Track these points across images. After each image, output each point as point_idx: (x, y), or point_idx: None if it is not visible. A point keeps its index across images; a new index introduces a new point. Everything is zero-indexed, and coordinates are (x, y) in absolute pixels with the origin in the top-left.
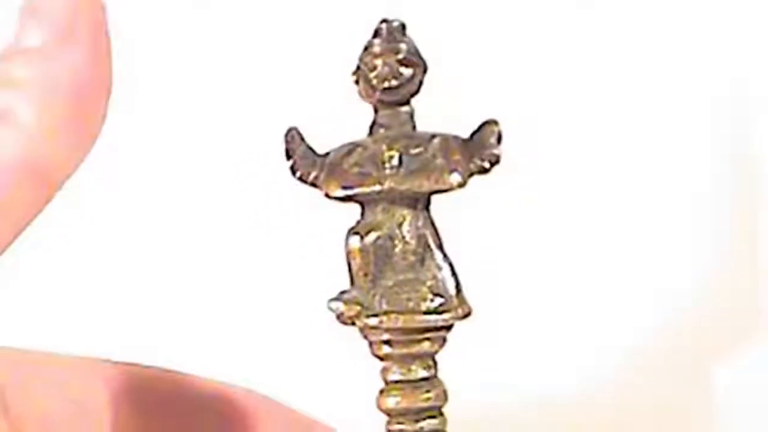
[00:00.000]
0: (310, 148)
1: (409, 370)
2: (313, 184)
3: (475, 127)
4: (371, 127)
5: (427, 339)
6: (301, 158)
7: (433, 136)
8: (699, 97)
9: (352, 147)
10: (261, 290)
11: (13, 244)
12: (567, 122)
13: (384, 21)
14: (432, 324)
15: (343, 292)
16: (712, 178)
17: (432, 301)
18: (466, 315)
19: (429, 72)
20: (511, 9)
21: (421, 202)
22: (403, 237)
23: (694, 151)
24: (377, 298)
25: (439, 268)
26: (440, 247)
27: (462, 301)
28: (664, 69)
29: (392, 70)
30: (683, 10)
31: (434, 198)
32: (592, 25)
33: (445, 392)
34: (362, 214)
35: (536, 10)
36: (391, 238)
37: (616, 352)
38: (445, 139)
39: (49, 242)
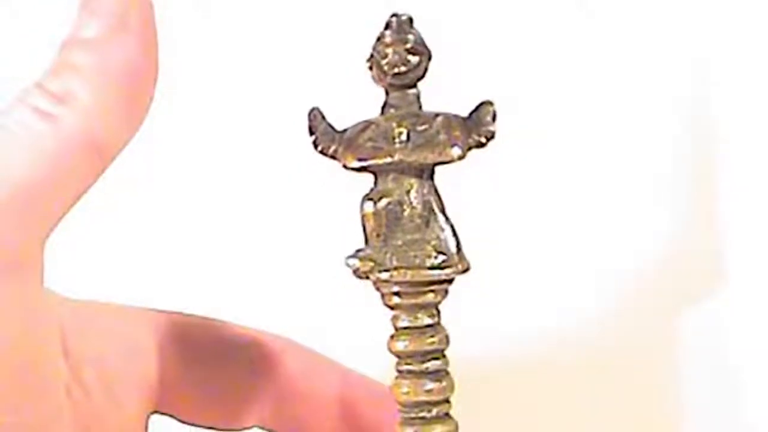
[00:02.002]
0: (330, 126)
1: (416, 317)
2: (333, 157)
3: (474, 107)
4: (383, 108)
5: (432, 291)
6: (322, 134)
7: (437, 115)
8: (663, 78)
9: (366, 124)
10: (290, 251)
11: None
12: (552, 104)
13: (394, 15)
14: (436, 278)
15: (358, 251)
16: (675, 147)
17: (436, 258)
18: (465, 270)
19: (433, 59)
20: (504, 5)
21: (426, 172)
22: (411, 202)
23: (657, 127)
24: (388, 255)
25: (442, 230)
26: (443, 211)
27: (462, 258)
28: (636, 57)
29: (401, 57)
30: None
31: (438, 169)
32: (572, 21)
33: (447, 337)
34: (375, 183)
35: (525, 7)
36: (400, 203)
37: (591, 299)
38: (447, 117)
39: (94, 209)
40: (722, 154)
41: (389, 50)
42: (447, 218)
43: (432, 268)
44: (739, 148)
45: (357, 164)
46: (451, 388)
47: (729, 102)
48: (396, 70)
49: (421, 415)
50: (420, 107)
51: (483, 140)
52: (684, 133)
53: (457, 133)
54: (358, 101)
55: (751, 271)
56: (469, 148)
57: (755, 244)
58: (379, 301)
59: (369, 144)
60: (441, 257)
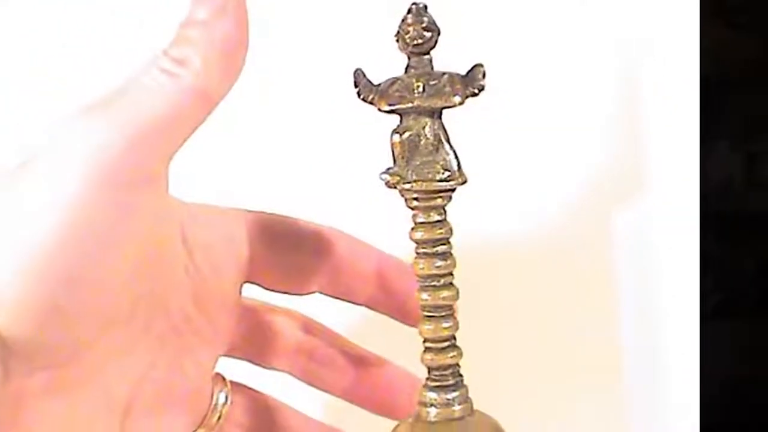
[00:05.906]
0: (369, 81)
1: (429, 215)
2: (371, 103)
3: (469, 68)
4: (406, 68)
5: (440, 197)
6: (364, 87)
7: (444, 73)
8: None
9: (394, 80)
10: (341, 170)
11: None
12: (519, 68)
13: (414, 3)
14: (443, 188)
15: (388, 168)
16: (615, 94)
17: (443, 174)
18: (464, 182)
19: (441, 34)
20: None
21: (436, 114)
22: (426, 135)
23: (598, 82)
24: (409, 172)
25: (447, 154)
26: (448, 141)
27: (461, 174)
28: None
29: (419, 33)
30: None
31: (445, 111)
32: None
33: (451, 228)
34: (400, 121)
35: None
36: (418, 135)
37: (547, 201)
38: (451, 75)
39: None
40: (648, 98)
41: (410, 28)
42: (451, 146)
43: (440, 180)
44: (659, 95)
45: (388, 108)
46: (454, 265)
47: (651, 60)
48: (415, 42)
49: (433, 284)
50: (432, 68)
51: (476, 91)
52: (618, 86)
53: (458, 86)
54: (388, 64)
55: (668, 180)
56: (467, 97)
57: (671, 160)
58: (404, 204)
59: (396, 94)
60: (447, 173)
